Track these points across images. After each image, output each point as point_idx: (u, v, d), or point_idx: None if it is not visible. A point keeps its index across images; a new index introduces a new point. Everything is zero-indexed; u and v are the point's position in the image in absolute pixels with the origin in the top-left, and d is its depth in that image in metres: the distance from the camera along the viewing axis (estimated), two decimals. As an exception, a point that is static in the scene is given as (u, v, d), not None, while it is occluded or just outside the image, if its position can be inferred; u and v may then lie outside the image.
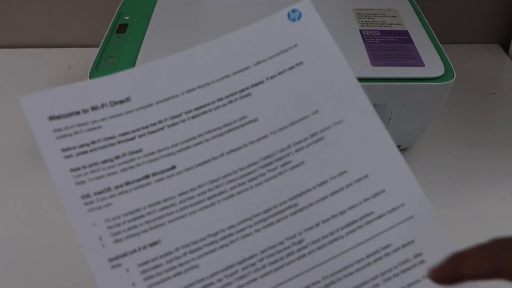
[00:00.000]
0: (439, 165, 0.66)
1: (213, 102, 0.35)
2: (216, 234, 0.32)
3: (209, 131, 0.34)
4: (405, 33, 0.63)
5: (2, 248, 0.56)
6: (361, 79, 0.58)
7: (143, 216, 0.32)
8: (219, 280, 0.32)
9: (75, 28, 0.90)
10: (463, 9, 0.88)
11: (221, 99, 0.35)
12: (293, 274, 0.33)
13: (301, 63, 0.36)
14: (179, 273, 0.31)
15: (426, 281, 0.30)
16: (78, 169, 0.32)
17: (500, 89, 0.80)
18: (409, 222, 0.33)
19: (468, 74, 0.82)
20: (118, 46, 0.60)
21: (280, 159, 0.34)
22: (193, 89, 0.35)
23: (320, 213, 0.34)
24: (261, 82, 0.35)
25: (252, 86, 0.35)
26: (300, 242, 0.33)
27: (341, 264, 0.33)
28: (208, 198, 0.33)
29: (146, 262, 0.31)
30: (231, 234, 0.33)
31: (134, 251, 0.31)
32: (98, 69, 0.57)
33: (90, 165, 0.33)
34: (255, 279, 0.32)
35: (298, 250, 0.33)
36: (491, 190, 0.62)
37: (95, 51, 0.60)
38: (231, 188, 0.33)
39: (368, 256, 0.33)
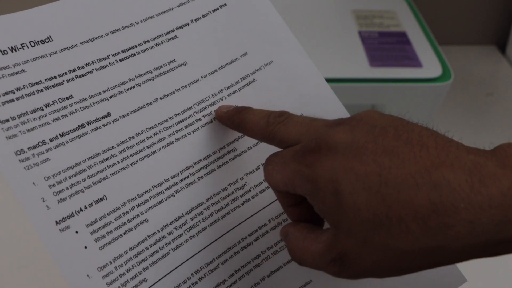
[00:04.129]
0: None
1: (140, 45, 0.33)
2: (160, 184, 0.32)
3: (139, 75, 0.33)
4: (403, 34, 0.64)
5: (2, 247, 0.56)
6: (359, 80, 0.59)
7: (84, 170, 0.30)
8: (170, 233, 0.31)
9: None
10: (460, 11, 0.88)
11: (148, 41, 0.34)
12: (240, 220, 0.33)
13: (225, 4, 0.36)
14: (130, 230, 0.31)
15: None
16: (7, 120, 0.29)
17: (497, 89, 0.80)
18: None
19: (465, 75, 0.83)
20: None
21: (213, 103, 0.34)
22: (117, 30, 0.33)
23: (259, 156, 0.34)
24: (186, 24, 0.35)
25: (177, 28, 0.35)
26: (243, 187, 0.33)
27: None
28: (148, 147, 0.32)
29: (95, 221, 0.30)
30: (175, 184, 0.32)
31: (81, 210, 0.30)
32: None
33: (19, 116, 0.30)
34: (204, 228, 0.32)
35: (242, 195, 0.33)
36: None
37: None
38: (169, 135, 0.33)
39: None
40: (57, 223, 0.29)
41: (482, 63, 0.87)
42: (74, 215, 0.30)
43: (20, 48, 0.31)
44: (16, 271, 0.54)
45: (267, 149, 0.32)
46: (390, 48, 0.61)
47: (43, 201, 0.29)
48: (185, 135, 0.33)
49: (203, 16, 0.35)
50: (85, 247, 0.29)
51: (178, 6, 0.35)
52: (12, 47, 0.31)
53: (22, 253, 0.56)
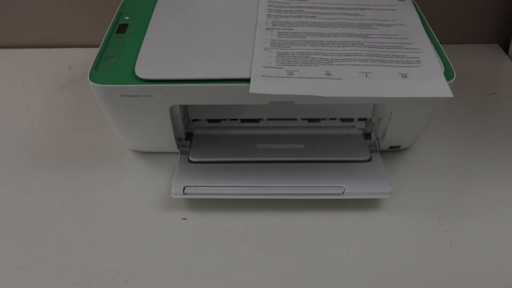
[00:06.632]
0: (439, 165, 0.66)
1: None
2: (321, 34, 0.60)
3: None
4: (405, 33, 0.65)
5: (2, 248, 0.56)
6: (361, 79, 0.59)
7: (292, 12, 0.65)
8: (311, 40, 0.59)
9: (75, 28, 0.90)
10: (463, 9, 0.88)
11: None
12: (353, 51, 0.57)
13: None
14: (294, 36, 0.60)
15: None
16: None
17: (500, 89, 0.80)
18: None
19: (468, 74, 0.82)
20: (118, 46, 0.60)
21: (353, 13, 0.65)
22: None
23: (372, 35, 0.60)
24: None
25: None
26: (360, 44, 0.58)
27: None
28: (322, 21, 0.62)
29: (282, 31, 0.61)
30: (329, 34, 0.60)
31: (277, 25, 0.62)
32: (98, 69, 0.57)
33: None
34: (336, 45, 0.58)
35: (359, 41, 0.58)
36: (490, 190, 0.62)
37: (95, 51, 0.60)
38: (339, 17, 0.63)
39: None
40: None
41: (485, 62, 0.87)
42: (276, 25, 0.62)
43: None
44: (16, 272, 0.53)
45: (379, 32, 0.62)
46: (392, 47, 0.61)
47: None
48: (342, 24, 0.62)
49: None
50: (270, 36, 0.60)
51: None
52: None
53: (22, 254, 0.55)
